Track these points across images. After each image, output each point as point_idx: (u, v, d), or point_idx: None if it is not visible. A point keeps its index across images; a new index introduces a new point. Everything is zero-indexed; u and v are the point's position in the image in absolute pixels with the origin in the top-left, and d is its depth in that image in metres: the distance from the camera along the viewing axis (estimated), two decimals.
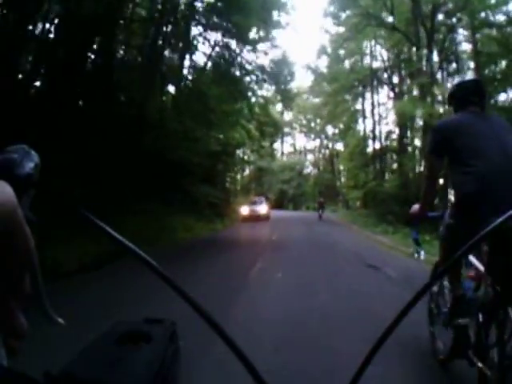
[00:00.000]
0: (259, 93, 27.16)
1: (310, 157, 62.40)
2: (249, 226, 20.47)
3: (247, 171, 59.78)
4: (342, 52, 28.05)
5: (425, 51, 19.58)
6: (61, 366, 0.46)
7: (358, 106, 35.39)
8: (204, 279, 6.42)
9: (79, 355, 0.49)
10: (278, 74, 24.98)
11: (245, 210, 25.64)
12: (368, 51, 29.07)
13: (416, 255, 3.54)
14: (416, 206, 3.00)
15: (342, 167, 53.65)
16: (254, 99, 26.70)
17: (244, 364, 0.46)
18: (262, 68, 25.03)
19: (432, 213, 3.06)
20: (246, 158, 53.53)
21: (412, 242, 3.68)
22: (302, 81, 54.23)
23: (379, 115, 32.86)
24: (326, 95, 27.77)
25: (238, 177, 59.42)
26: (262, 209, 26.35)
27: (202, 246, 11.74)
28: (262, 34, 25.94)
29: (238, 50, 25.42)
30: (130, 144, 12.24)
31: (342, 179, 55.30)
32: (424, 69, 19.29)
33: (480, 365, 2.18)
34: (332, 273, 7.48)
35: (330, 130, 57.79)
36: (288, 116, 61.21)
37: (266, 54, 26.00)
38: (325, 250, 10.93)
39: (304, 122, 60.41)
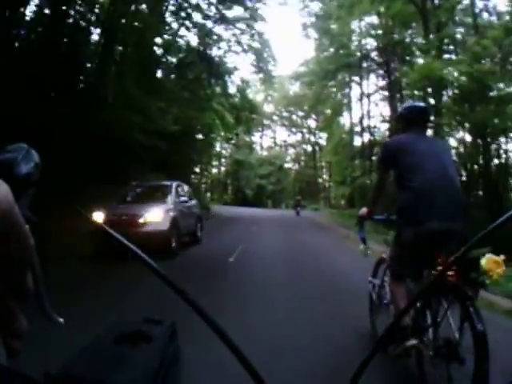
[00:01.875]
0: (237, 74, 24.02)
1: (290, 151, 59.22)
2: (212, 231, 12.96)
3: (225, 166, 56.41)
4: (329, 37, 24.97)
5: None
6: (60, 366, 0.45)
7: (344, 100, 32.69)
8: None
9: (79, 355, 0.48)
10: (258, 51, 21.71)
11: (99, 217, 7.53)
12: (357, 32, 26.00)
13: (365, 252, 3.75)
14: (364, 209, 3.46)
15: (323, 163, 50.85)
16: (230, 84, 23.59)
17: (241, 362, 0.48)
18: (239, 42, 21.77)
19: (378, 216, 3.49)
20: (220, 150, 50.24)
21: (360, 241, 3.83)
22: (284, 69, 51.09)
23: (368, 101, 30.04)
24: (312, 75, 24.37)
25: (215, 170, 56.10)
26: (152, 216, 8.28)
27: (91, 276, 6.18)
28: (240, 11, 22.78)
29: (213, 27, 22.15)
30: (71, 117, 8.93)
31: (325, 175, 52.50)
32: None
33: (417, 344, 2.53)
34: None
35: (312, 123, 55.47)
36: (269, 108, 58.16)
37: (243, 31, 22.71)
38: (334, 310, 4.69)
39: (285, 113, 57.22)
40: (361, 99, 30.89)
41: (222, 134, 28.12)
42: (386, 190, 3.25)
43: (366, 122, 30.22)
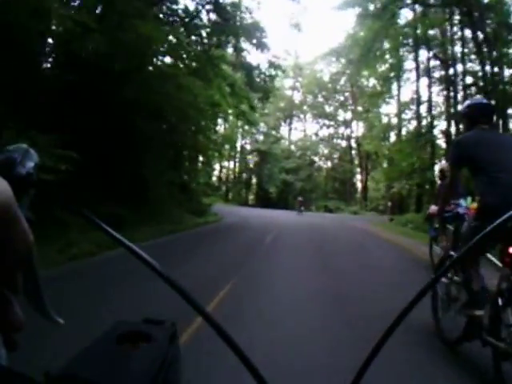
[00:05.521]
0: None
1: (322, 147, 51.67)
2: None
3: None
4: None
5: None
6: (61, 366, 0.45)
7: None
8: None
9: (79, 355, 0.49)
10: None
11: None
12: None
13: (436, 250, 4.06)
14: (434, 207, 4.03)
15: (357, 161, 43.66)
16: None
17: (243, 362, 0.48)
18: None
19: (447, 213, 3.88)
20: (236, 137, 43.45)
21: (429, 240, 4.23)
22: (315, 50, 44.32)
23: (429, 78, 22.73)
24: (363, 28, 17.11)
25: (229, 165, 49.41)
26: None
27: None
28: None
29: None
30: None
31: (359, 175, 45.19)
32: None
33: (496, 343, 2.49)
34: None
35: (347, 115, 48.57)
36: (298, 96, 51.30)
37: None
38: None
39: (319, 99, 50.16)
40: (417, 77, 23.81)
41: (230, 109, 21.30)
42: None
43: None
